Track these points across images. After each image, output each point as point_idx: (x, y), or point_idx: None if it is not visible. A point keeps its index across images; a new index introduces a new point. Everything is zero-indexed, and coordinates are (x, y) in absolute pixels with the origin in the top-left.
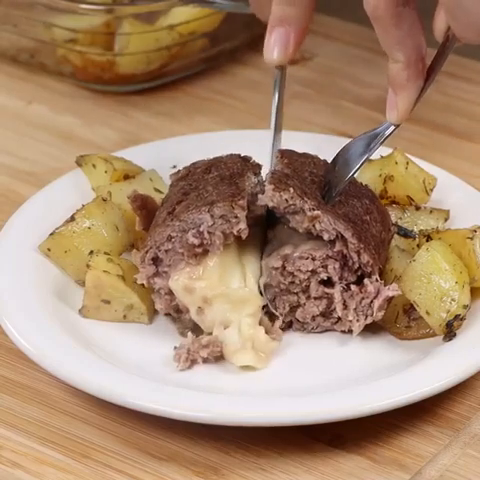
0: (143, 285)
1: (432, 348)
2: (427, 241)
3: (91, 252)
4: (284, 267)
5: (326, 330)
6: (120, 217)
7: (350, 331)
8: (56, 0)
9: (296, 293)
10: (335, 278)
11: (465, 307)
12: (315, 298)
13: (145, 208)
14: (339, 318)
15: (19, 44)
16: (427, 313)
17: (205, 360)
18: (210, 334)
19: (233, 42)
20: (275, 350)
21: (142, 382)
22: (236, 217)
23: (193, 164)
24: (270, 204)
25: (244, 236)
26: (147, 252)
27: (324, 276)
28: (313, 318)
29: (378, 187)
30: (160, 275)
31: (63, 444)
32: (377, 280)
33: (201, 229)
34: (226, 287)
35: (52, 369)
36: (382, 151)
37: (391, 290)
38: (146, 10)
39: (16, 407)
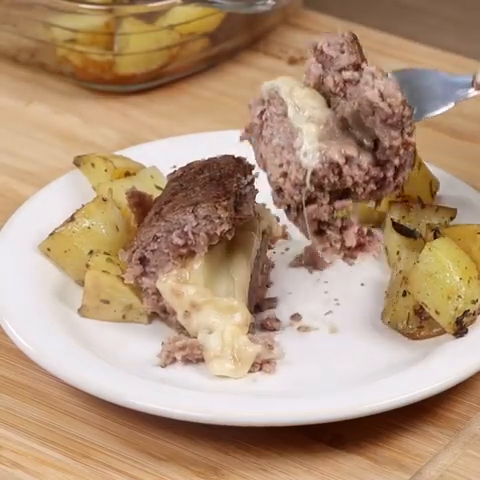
0: None
1: (432, 348)
2: (435, 235)
3: (91, 252)
4: (340, 167)
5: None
6: (120, 217)
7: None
8: (56, 0)
9: (324, 191)
10: (362, 197)
11: (474, 302)
12: (334, 207)
13: (141, 205)
14: (321, 231)
15: (19, 44)
16: (437, 313)
17: (184, 360)
18: (195, 338)
19: (233, 42)
20: (252, 360)
21: (142, 382)
22: (219, 218)
23: (188, 165)
24: (397, 110)
25: (229, 237)
26: (134, 252)
27: (359, 191)
28: (313, 221)
29: None
30: (147, 275)
31: (63, 444)
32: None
33: (185, 229)
34: (214, 294)
35: (52, 369)
36: None
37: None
38: (146, 10)
39: (16, 407)
